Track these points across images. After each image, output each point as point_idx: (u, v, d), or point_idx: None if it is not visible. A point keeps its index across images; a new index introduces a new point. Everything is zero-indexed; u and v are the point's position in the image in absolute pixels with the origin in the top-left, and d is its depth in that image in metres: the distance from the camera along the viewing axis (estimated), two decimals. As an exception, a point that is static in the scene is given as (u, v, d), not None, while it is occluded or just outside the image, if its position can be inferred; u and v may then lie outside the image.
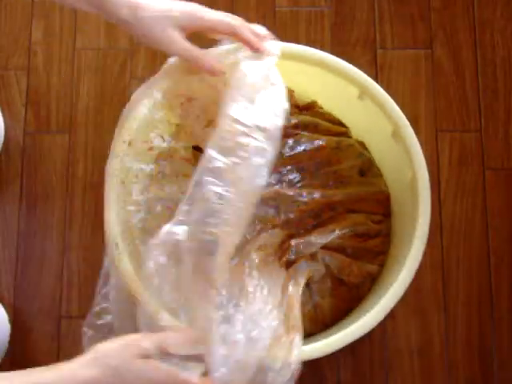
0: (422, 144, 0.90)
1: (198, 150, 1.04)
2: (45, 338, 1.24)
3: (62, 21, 1.37)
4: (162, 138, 0.89)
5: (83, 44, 1.36)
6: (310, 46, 0.93)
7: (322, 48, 0.91)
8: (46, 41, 1.36)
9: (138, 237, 0.84)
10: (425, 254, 0.88)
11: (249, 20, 1.34)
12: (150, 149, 0.87)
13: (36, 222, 1.28)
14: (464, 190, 1.29)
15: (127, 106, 0.90)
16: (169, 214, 0.86)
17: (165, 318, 0.79)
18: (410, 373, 1.23)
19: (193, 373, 0.73)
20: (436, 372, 1.23)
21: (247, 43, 0.83)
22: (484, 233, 1.28)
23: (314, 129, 1.08)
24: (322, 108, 1.11)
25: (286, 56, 0.88)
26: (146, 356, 0.71)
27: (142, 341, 0.72)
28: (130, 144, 0.85)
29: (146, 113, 0.87)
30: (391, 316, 0.87)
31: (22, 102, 1.33)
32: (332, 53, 0.91)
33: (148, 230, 0.84)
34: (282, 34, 1.36)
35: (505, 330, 1.25)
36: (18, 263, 1.26)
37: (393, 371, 1.23)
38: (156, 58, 1.35)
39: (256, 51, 0.83)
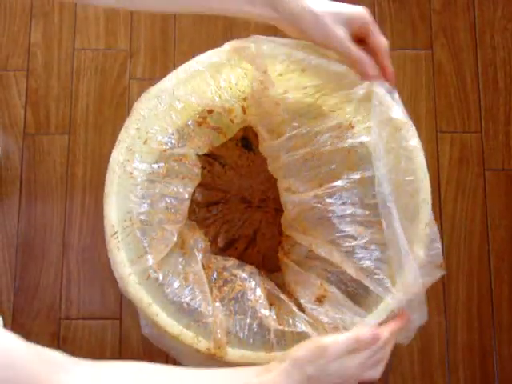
0: (422, 144, 0.89)
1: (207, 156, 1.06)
2: (44, 339, 1.23)
3: (62, 21, 1.37)
4: (176, 140, 0.89)
5: (82, 45, 1.36)
6: None
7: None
8: (46, 41, 1.36)
9: (138, 227, 0.83)
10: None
11: (247, 21, 1.35)
12: (164, 150, 0.87)
13: (35, 223, 1.28)
14: (464, 190, 1.29)
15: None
16: (173, 212, 0.86)
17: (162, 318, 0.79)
18: (410, 374, 1.23)
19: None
20: (436, 373, 1.23)
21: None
22: (484, 234, 1.28)
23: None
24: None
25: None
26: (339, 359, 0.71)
27: (333, 346, 0.70)
28: (145, 142, 0.85)
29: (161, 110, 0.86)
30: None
31: (22, 103, 1.32)
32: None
33: (149, 223, 0.84)
34: (282, 34, 1.35)
35: (505, 332, 1.25)
36: (18, 264, 1.26)
37: (393, 372, 1.23)
38: (156, 58, 1.35)
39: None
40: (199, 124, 0.90)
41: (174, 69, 0.86)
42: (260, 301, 0.84)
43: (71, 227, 1.28)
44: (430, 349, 1.24)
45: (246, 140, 1.09)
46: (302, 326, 0.81)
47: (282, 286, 0.91)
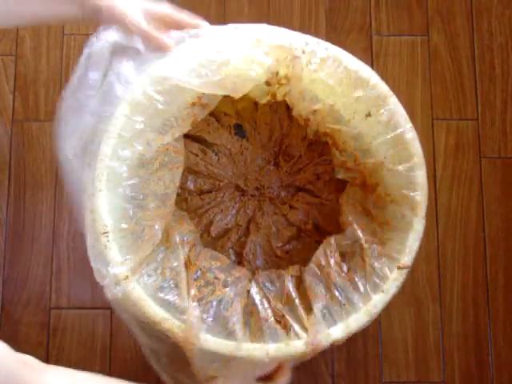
0: (417, 132, 0.88)
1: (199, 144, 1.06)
2: (34, 329, 1.22)
3: (51, 5, 1.33)
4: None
5: (72, 29, 1.33)
6: (305, 33, 0.89)
7: (316, 35, 0.88)
8: (34, 26, 1.33)
9: (125, 226, 0.82)
10: (420, 243, 0.87)
11: (240, 6, 1.33)
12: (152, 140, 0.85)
13: (24, 211, 1.26)
14: (460, 178, 1.28)
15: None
16: (160, 206, 0.84)
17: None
18: (404, 364, 1.22)
19: None
20: (431, 363, 1.22)
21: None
22: (480, 222, 1.27)
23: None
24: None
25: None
26: None
27: None
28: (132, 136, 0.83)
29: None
30: (386, 306, 0.85)
31: (10, 89, 1.30)
32: (327, 39, 0.88)
33: (136, 221, 0.82)
34: (276, 21, 1.33)
35: (500, 321, 1.24)
36: (6, 253, 1.24)
37: (388, 362, 1.22)
38: (147, 43, 1.32)
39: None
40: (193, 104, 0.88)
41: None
42: (235, 313, 0.83)
43: (61, 215, 1.26)
44: (424, 337, 1.23)
45: (240, 127, 1.08)
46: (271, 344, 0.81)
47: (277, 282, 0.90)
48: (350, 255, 0.90)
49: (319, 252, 0.90)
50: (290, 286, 0.88)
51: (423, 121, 1.30)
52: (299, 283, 0.90)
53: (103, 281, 0.81)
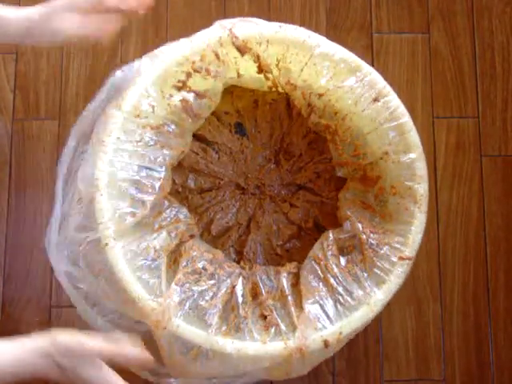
0: (418, 130, 0.88)
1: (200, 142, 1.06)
2: (35, 328, 1.21)
3: (51, 4, 1.33)
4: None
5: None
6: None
7: (316, 32, 0.89)
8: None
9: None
10: (421, 242, 0.87)
11: (240, 4, 1.33)
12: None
13: (25, 210, 1.26)
14: (461, 177, 1.28)
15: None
16: (148, 182, 0.86)
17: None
18: (405, 362, 1.22)
19: None
20: (432, 362, 1.22)
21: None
22: (481, 220, 1.27)
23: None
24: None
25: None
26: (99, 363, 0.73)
27: (100, 351, 0.72)
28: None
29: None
30: (386, 305, 0.85)
31: (10, 87, 1.30)
32: (327, 37, 0.89)
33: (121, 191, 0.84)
34: (276, 19, 1.33)
35: (501, 319, 1.24)
36: (7, 252, 1.24)
37: (388, 361, 1.22)
38: (147, 42, 1.32)
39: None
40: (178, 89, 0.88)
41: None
42: (213, 307, 0.84)
43: (61, 214, 1.25)
44: (425, 336, 1.23)
45: (240, 126, 1.07)
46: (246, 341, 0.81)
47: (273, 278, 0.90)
48: (349, 249, 0.90)
49: (316, 246, 0.91)
50: (285, 283, 0.88)
51: (424, 119, 1.30)
52: (297, 280, 0.90)
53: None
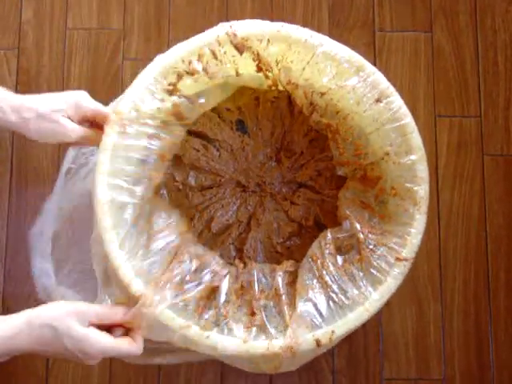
0: (420, 129, 0.88)
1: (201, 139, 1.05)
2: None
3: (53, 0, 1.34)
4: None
5: (75, 24, 1.33)
6: (307, 28, 0.89)
7: (318, 31, 0.88)
8: (37, 20, 1.33)
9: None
10: (422, 241, 0.86)
11: (242, 2, 1.33)
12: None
13: (26, 206, 1.26)
14: (462, 176, 1.27)
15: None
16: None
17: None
18: (405, 361, 1.22)
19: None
20: (432, 361, 1.22)
21: None
22: (482, 220, 1.27)
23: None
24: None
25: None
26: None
27: (88, 314, 0.76)
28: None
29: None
30: (386, 304, 0.85)
31: (12, 83, 1.30)
32: (329, 35, 0.89)
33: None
34: (279, 17, 1.33)
35: (502, 319, 1.24)
36: (8, 248, 1.24)
37: (388, 360, 1.22)
38: (150, 38, 1.32)
39: None
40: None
41: (168, 49, 0.85)
42: (193, 300, 0.84)
43: (63, 211, 1.26)
44: (425, 335, 1.23)
45: (242, 123, 1.07)
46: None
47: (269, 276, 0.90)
48: (347, 249, 0.90)
49: (314, 245, 0.90)
50: (280, 281, 0.88)
51: (426, 118, 1.29)
52: (294, 279, 0.90)
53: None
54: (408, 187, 0.87)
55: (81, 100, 0.85)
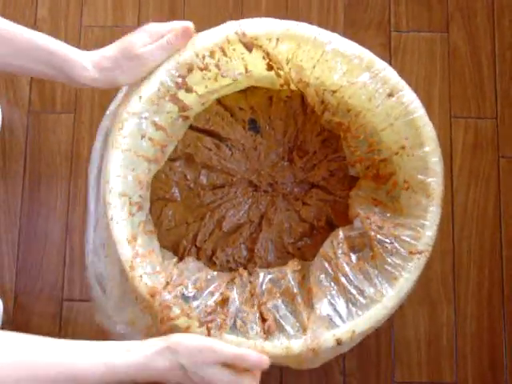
0: (435, 130, 0.87)
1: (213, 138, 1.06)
2: (46, 320, 1.22)
3: (69, -3, 1.34)
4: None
5: (90, 21, 1.33)
6: (322, 27, 0.88)
7: (333, 30, 0.88)
8: (52, 17, 1.33)
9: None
10: (435, 243, 0.86)
11: (257, 0, 1.33)
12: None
13: (39, 203, 1.26)
14: (477, 178, 1.26)
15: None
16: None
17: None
18: (417, 364, 1.21)
19: None
20: (444, 364, 1.21)
21: None
22: (497, 222, 1.25)
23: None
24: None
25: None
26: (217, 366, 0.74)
27: (219, 352, 0.73)
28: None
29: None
30: (399, 305, 0.84)
31: (27, 80, 1.30)
32: (344, 34, 0.87)
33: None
34: (294, 15, 1.32)
35: (516, 323, 1.22)
36: (20, 244, 1.25)
37: (400, 362, 1.21)
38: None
39: None
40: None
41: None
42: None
43: (75, 207, 1.26)
44: (437, 338, 1.22)
45: (254, 122, 1.07)
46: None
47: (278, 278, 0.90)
48: (360, 247, 0.89)
49: (326, 244, 0.90)
50: (291, 280, 0.88)
51: (441, 118, 1.28)
52: (302, 278, 0.89)
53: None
54: (420, 179, 0.86)
55: (151, 28, 0.85)
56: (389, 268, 0.85)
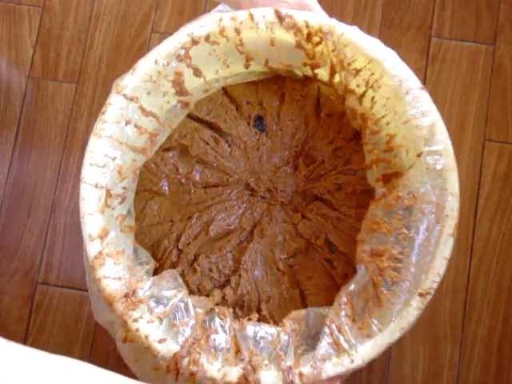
0: (465, 152, 0.77)
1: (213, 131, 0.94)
2: (17, 302, 1.14)
3: (87, -43, 1.24)
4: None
5: (105, -13, 1.23)
6: (356, 25, 0.80)
7: (368, 29, 0.78)
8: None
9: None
10: (448, 276, 0.75)
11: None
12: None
13: (27, 175, 1.17)
14: (505, 211, 1.14)
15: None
16: None
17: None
18: (410, 406, 1.10)
19: None
20: (440, 411, 1.10)
21: None
22: (520, 262, 1.13)
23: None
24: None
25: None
26: None
27: None
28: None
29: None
30: (399, 340, 0.74)
31: (32, 42, 1.21)
32: (380, 35, 0.78)
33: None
34: (328, 9, 1.20)
35: (526, 377, 1.10)
36: (1, 217, 1.16)
37: (391, 401, 1.10)
38: (183, 13, 1.22)
39: None
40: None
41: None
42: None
43: (63, 186, 1.17)
44: (437, 381, 1.11)
45: (261, 119, 0.96)
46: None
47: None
48: (365, 300, 0.79)
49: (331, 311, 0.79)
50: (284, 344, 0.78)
51: (473, 140, 1.15)
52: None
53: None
54: (433, 200, 0.76)
55: None
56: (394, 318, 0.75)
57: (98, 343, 1.13)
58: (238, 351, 0.77)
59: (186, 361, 0.73)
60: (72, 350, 1.13)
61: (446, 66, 1.18)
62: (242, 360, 0.75)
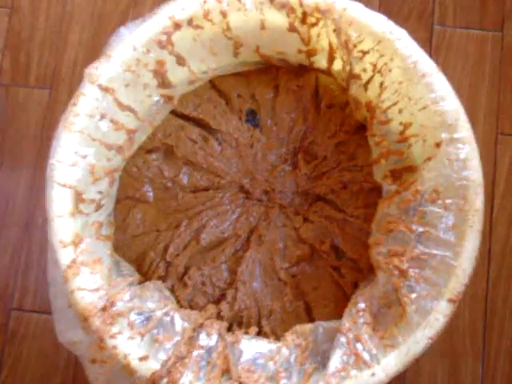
0: (478, 147, 0.69)
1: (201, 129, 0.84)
2: (-10, 331, 1.03)
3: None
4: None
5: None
6: None
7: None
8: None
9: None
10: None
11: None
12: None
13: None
14: (524, 210, 1.05)
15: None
16: None
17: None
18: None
19: None
20: (463, 434, 1.00)
21: None
22: (542, 266, 1.04)
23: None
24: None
25: None
26: None
27: None
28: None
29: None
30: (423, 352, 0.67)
31: (0, 46, 1.12)
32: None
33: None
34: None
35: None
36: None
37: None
38: (164, 9, 1.13)
39: None
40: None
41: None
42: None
43: (38, 201, 1.07)
44: (458, 399, 1.01)
45: (253, 114, 0.87)
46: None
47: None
48: (387, 307, 0.70)
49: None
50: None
51: (485, 134, 1.07)
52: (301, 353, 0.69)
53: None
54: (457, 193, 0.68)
55: None
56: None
57: (80, 373, 1.03)
58: (226, 369, 0.67)
59: (164, 382, 0.63)
60: (52, 382, 1.03)
61: (451, 56, 1.10)
62: (230, 380, 0.65)
